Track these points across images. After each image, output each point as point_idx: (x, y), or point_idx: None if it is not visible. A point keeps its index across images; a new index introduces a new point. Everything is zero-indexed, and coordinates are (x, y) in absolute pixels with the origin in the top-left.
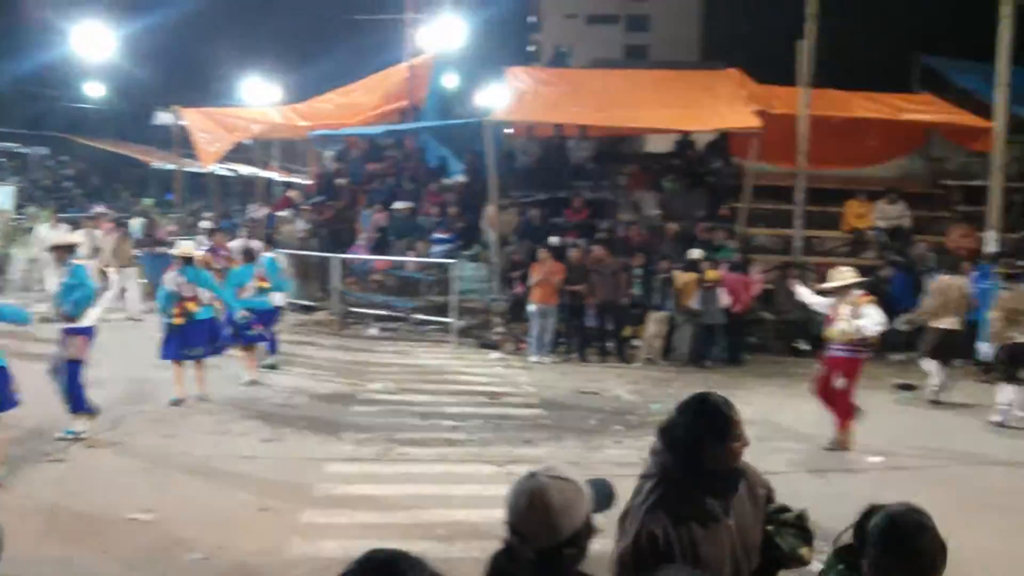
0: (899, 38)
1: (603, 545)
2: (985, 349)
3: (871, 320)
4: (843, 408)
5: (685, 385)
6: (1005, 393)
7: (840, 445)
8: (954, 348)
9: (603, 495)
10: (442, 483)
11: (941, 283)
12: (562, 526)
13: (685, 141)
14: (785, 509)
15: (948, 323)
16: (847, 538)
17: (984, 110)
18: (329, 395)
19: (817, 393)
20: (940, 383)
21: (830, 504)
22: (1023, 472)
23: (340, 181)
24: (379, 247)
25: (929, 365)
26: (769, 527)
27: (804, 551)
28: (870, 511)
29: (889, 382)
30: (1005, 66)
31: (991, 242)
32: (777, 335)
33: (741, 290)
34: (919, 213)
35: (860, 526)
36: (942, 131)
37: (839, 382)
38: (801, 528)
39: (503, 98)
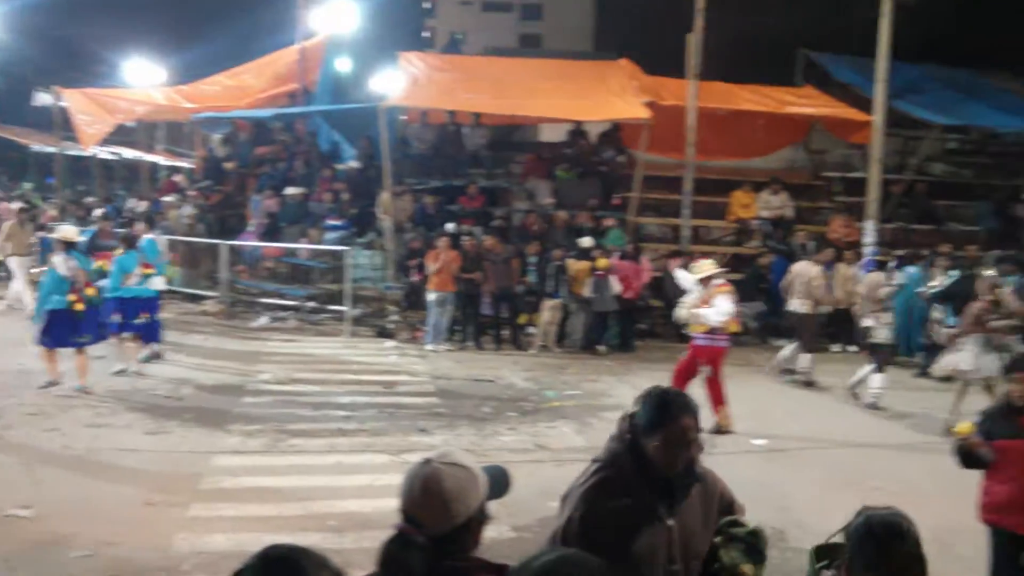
0: (784, 33)
1: (499, 532)
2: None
3: (716, 310)
4: (713, 393)
5: (578, 372)
6: (863, 370)
7: (722, 428)
8: (811, 331)
9: (499, 482)
10: (334, 474)
11: (796, 268)
12: (456, 512)
13: (578, 131)
14: (739, 524)
15: (804, 307)
16: (838, 539)
17: (864, 104)
18: (216, 386)
19: (673, 375)
20: (805, 366)
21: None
22: (890, 453)
23: (228, 165)
24: (269, 233)
25: (787, 349)
26: (717, 539)
27: (747, 568)
28: (859, 513)
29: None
30: (884, 61)
31: (869, 232)
32: (666, 322)
33: (632, 278)
34: (801, 203)
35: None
36: (823, 124)
37: (704, 369)
38: (751, 545)
39: (397, 83)
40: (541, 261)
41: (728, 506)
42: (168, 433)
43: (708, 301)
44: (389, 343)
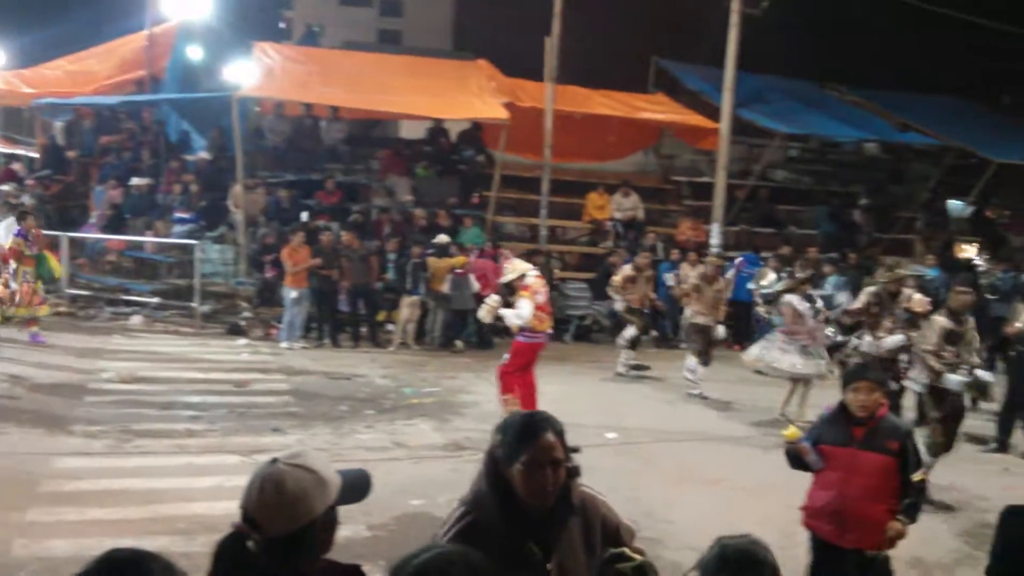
0: (638, 40)
1: (355, 531)
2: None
3: (515, 312)
4: (505, 381)
5: (437, 369)
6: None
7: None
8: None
9: (356, 486)
10: (182, 476)
11: (630, 268)
12: (296, 515)
13: (438, 129)
14: (624, 558)
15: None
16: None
17: (711, 112)
18: (56, 385)
19: (503, 379)
20: (626, 356)
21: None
22: (734, 446)
23: (70, 154)
24: (113, 226)
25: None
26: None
27: None
28: (714, 544)
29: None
30: (731, 71)
31: (715, 234)
32: None
33: (491, 276)
34: (651, 206)
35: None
36: (673, 130)
37: (503, 356)
38: None
39: (251, 74)
40: (400, 258)
41: (614, 532)
42: (5, 435)
43: (513, 303)
44: (241, 341)
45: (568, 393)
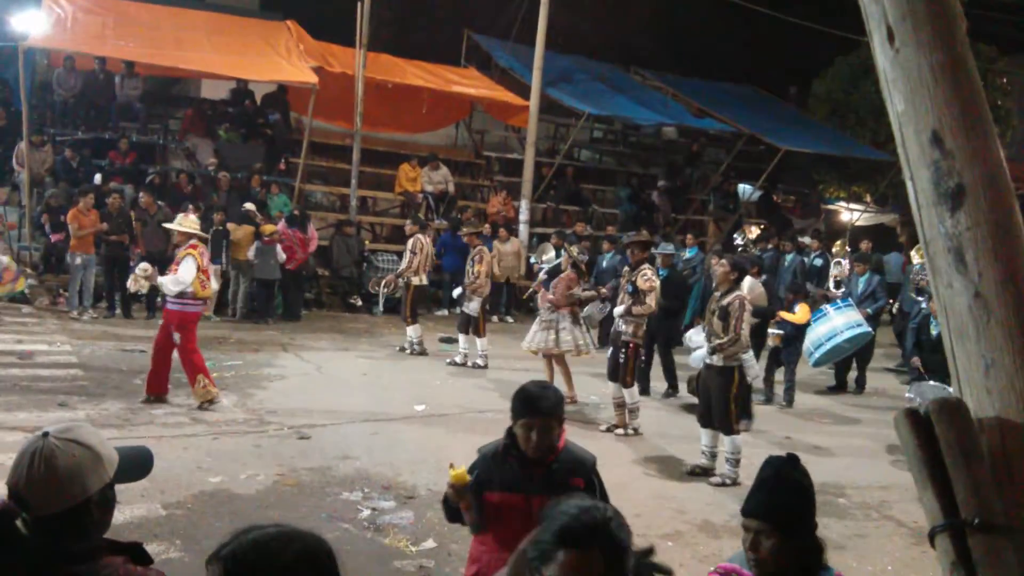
0: (451, 12)
1: (150, 510)
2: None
3: (171, 278)
4: (188, 365)
5: (239, 341)
6: (461, 341)
7: (203, 402)
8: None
9: (136, 463)
10: None
11: (417, 242)
12: (69, 493)
13: (243, 90)
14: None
15: (419, 280)
16: None
17: (522, 89)
18: None
19: (153, 351)
20: (417, 336)
21: (383, 451)
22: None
23: None
24: None
25: (412, 329)
26: None
27: None
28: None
29: (434, 336)
30: (540, 50)
31: (524, 210)
32: (333, 291)
33: (298, 246)
34: (463, 180)
35: None
36: (484, 105)
37: (175, 337)
38: None
39: (40, 23)
40: (201, 224)
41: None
42: None
43: (177, 264)
44: (25, 309)
45: (376, 366)
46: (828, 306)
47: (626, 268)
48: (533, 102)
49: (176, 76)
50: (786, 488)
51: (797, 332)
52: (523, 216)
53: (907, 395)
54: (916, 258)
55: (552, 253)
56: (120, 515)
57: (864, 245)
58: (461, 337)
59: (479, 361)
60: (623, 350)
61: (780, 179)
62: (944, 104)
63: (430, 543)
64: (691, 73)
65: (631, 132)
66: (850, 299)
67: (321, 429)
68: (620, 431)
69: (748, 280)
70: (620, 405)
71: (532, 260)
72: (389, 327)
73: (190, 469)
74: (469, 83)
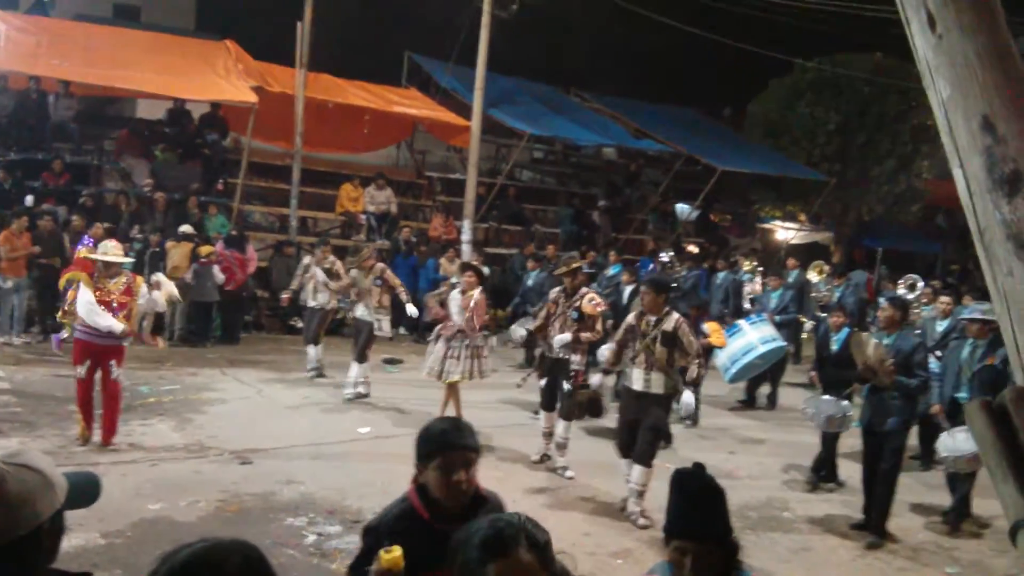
0: (391, 33)
1: (88, 539)
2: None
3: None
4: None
5: (178, 365)
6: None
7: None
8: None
9: (84, 490)
10: None
11: (306, 263)
12: (21, 520)
13: (180, 110)
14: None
15: (320, 301)
16: None
17: (463, 110)
18: None
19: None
20: (317, 359)
21: (328, 475)
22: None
23: None
24: None
25: (311, 349)
26: None
27: None
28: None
29: (378, 358)
30: (482, 71)
31: (466, 231)
32: (272, 313)
33: (237, 267)
34: (405, 201)
35: None
36: (426, 125)
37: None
38: None
39: None
40: (139, 246)
41: None
42: None
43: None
44: None
45: (318, 389)
46: (743, 321)
47: (557, 292)
48: (475, 122)
49: (112, 96)
50: (700, 500)
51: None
52: (465, 236)
53: (802, 407)
54: (815, 276)
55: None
56: None
57: (791, 263)
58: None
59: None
60: (570, 380)
61: (717, 199)
62: (994, 89)
63: None
64: (629, 95)
65: (572, 152)
66: (764, 314)
67: (263, 453)
68: (557, 462)
69: None
70: (549, 434)
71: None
72: (333, 348)
73: (129, 497)
74: (411, 103)
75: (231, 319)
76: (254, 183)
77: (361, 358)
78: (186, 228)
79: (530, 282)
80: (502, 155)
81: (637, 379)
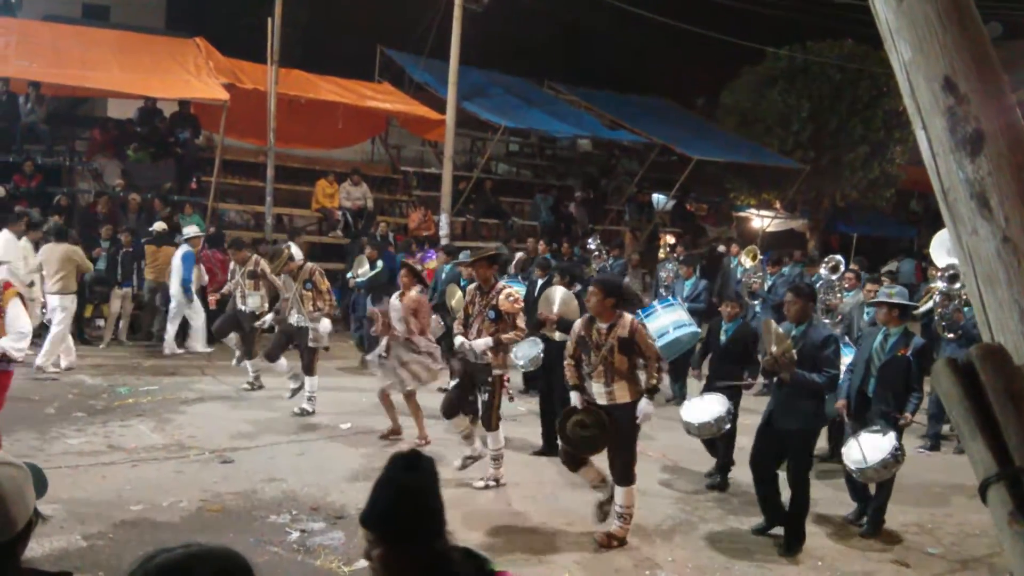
0: (363, 28)
1: (69, 541)
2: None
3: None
4: None
5: (155, 366)
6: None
7: None
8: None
9: (40, 479)
10: None
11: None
12: (17, 517)
13: (152, 109)
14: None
15: (250, 306)
16: None
17: (437, 104)
18: None
19: None
20: (254, 371)
21: (310, 472)
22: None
23: None
24: None
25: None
26: None
27: None
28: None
29: (356, 359)
30: (455, 64)
31: (444, 225)
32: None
33: (218, 267)
34: (381, 196)
35: None
36: (400, 120)
37: None
38: None
39: None
40: (112, 247)
41: None
42: None
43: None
44: None
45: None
46: (656, 303)
47: (472, 290)
48: (449, 116)
49: (82, 96)
50: (393, 493)
51: None
52: (443, 231)
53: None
54: (747, 261)
55: (367, 266)
56: (39, 548)
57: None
58: None
59: None
60: (487, 387)
61: (692, 188)
62: (954, 49)
63: (362, 563)
64: (602, 86)
65: (547, 145)
66: (677, 298)
67: (244, 452)
68: (480, 483)
69: (560, 291)
70: (468, 436)
71: (348, 275)
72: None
73: (109, 498)
74: (384, 98)
75: (209, 319)
76: (228, 181)
77: (308, 371)
78: (158, 226)
79: (444, 275)
80: (477, 148)
81: (599, 394)
